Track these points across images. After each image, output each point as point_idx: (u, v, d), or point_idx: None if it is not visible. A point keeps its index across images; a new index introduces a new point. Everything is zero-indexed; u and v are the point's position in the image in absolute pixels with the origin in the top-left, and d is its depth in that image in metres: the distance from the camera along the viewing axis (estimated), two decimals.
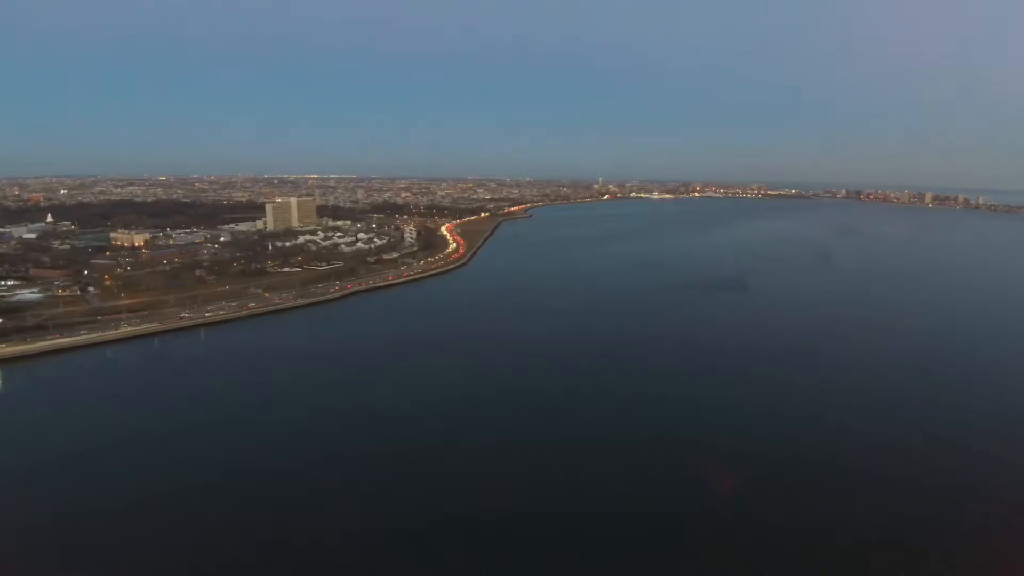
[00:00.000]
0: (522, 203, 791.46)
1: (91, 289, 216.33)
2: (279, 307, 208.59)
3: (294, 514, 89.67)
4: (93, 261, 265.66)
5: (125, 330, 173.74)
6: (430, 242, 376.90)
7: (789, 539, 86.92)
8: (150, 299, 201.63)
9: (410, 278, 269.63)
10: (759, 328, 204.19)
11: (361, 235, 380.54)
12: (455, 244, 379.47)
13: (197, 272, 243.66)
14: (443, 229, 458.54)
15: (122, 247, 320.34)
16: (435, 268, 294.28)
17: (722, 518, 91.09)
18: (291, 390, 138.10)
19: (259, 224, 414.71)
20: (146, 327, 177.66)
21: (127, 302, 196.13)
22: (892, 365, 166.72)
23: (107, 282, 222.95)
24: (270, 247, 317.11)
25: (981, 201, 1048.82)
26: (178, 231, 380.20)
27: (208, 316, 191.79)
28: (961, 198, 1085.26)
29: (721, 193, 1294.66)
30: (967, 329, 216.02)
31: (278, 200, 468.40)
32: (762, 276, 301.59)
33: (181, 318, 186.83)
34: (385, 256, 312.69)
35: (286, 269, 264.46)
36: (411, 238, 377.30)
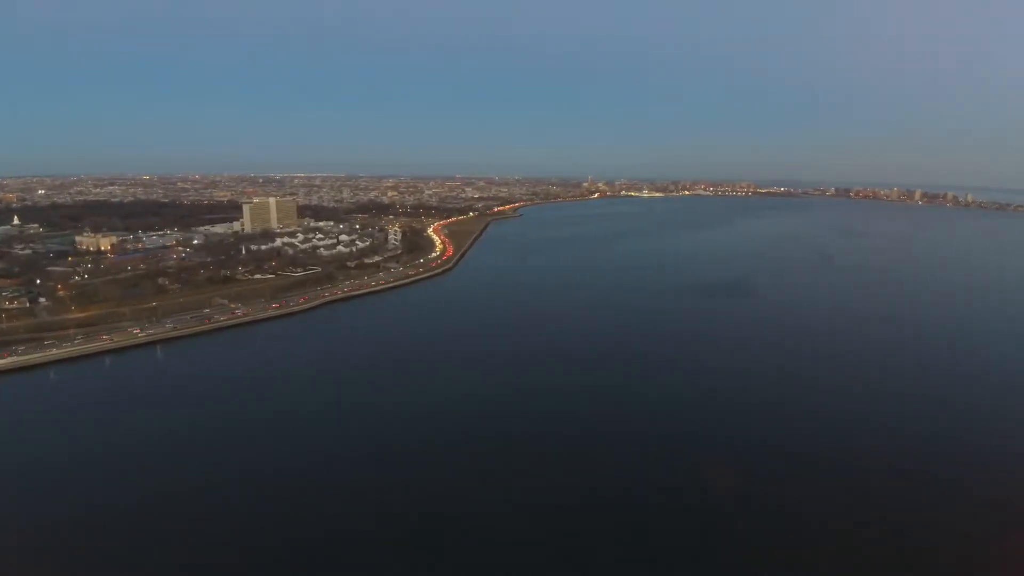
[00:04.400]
0: (511, 202, 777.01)
1: (42, 300, 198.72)
2: (243, 320, 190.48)
3: None
4: (50, 268, 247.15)
5: (71, 349, 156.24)
6: (416, 244, 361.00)
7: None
8: (104, 311, 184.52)
9: (392, 285, 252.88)
10: (763, 331, 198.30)
11: (343, 237, 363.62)
12: (442, 246, 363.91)
13: (160, 280, 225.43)
14: (430, 230, 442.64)
15: (87, 251, 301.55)
16: (419, 273, 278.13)
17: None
18: (239, 425, 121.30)
19: (236, 226, 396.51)
20: (95, 345, 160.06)
21: (78, 315, 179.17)
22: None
23: (60, 292, 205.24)
24: (244, 251, 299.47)
25: (970, 199, 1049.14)
26: (150, 233, 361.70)
27: (162, 331, 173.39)
28: (950, 196, 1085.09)
29: (711, 192, 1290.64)
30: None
31: (256, 200, 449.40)
32: (764, 279, 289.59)
33: (125, 335, 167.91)
34: (367, 260, 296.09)
35: (258, 276, 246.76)
36: (395, 240, 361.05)
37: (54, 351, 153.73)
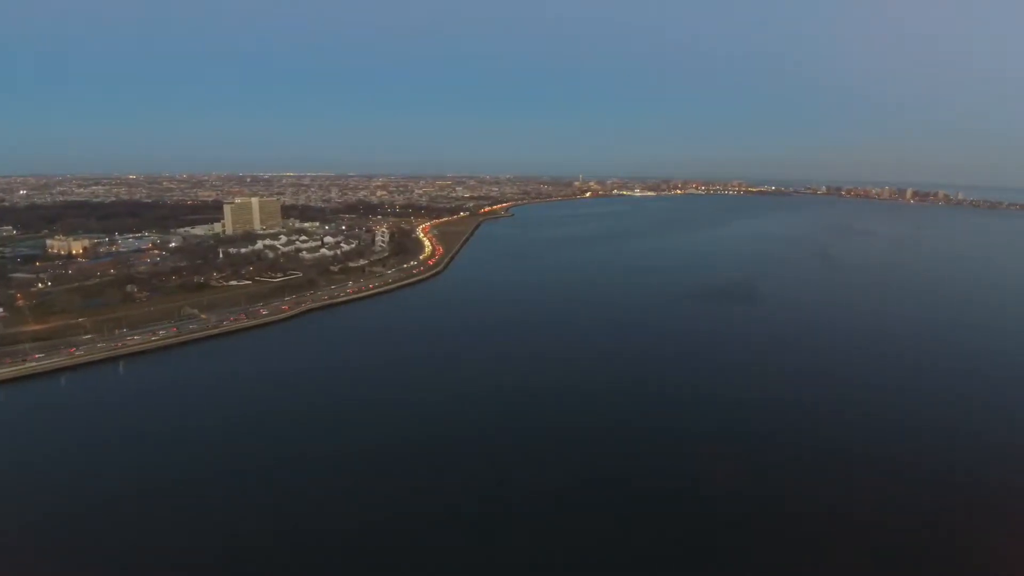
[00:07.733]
0: (502, 201, 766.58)
1: None
2: (212, 332, 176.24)
3: None
4: (15, 274, 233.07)
5: (19, 367, 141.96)
6: (404, 246, 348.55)
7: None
8: (63, 323, 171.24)
9: (376, 290, 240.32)
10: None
11: (328, 239, 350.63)
12: (431, 248, 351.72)
13: (128, 287, 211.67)
14: (419, 231, 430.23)
15: (58, 256, 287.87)
16: (406, 278, 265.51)
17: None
18: (195, 458, 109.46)
19: (217, 227, 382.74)
20: (47, 363, 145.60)
21: (35, 328, 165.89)
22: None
23: (19, 302, 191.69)
24: (222, 254, 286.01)
25: (961, 197, 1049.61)
26: (126, 235, 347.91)
27: (122, 347, 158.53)
28: (942, 194, 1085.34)
29: (703, 190, 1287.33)
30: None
31: (238, 200, 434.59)
32: (765, 280, 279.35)
33: (71, 351, 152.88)
34: (351, 264, 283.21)
35: (233, 282, 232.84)
36: (383, 242, 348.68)
37: (4, 369, 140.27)
